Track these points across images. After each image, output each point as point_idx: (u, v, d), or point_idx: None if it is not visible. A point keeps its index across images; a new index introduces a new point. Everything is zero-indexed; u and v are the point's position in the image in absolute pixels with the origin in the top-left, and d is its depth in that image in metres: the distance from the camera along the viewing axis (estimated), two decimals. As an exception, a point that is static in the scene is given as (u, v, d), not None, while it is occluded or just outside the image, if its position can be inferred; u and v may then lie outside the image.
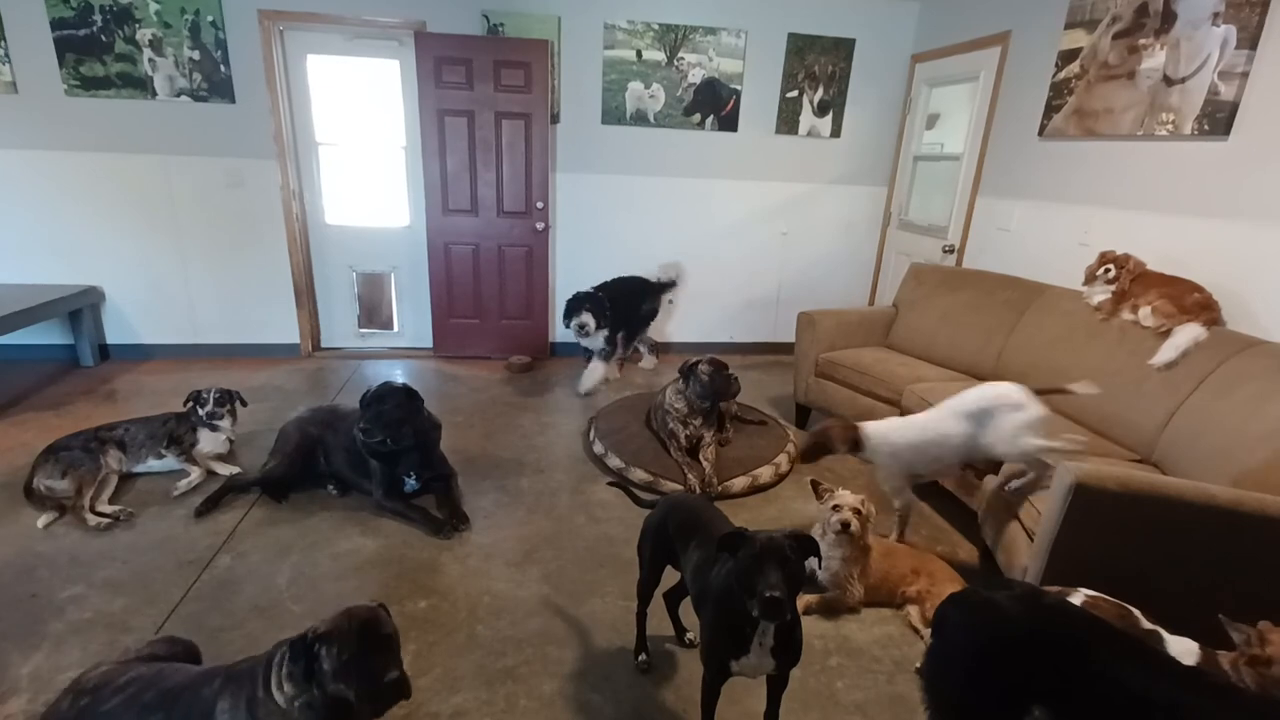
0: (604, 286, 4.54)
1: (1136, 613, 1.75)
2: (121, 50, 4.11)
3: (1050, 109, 3.64)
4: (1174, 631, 1.70)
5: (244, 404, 3.30)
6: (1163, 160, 3.04)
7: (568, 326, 4.29)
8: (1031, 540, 2.16)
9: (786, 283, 5.42)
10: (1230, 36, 2.70)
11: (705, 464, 3.18)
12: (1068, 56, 3.51)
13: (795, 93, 4.91)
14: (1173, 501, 1.91)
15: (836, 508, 2.28)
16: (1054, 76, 3.60)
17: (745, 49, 4.75)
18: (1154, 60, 3.04)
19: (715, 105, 4.85)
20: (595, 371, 4.42)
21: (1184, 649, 1.64)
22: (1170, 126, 2.97)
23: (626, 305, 4.58)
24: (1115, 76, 3.24)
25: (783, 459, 3.33)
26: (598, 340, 4.32)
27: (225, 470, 3.09)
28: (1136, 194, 3.18)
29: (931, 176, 4.85)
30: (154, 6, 4.06)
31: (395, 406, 2.78)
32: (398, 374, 4.67)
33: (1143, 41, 3.09)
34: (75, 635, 2.08)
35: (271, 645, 1.48)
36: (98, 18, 4.03)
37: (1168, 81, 2.98)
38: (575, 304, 4.28)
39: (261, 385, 4.30)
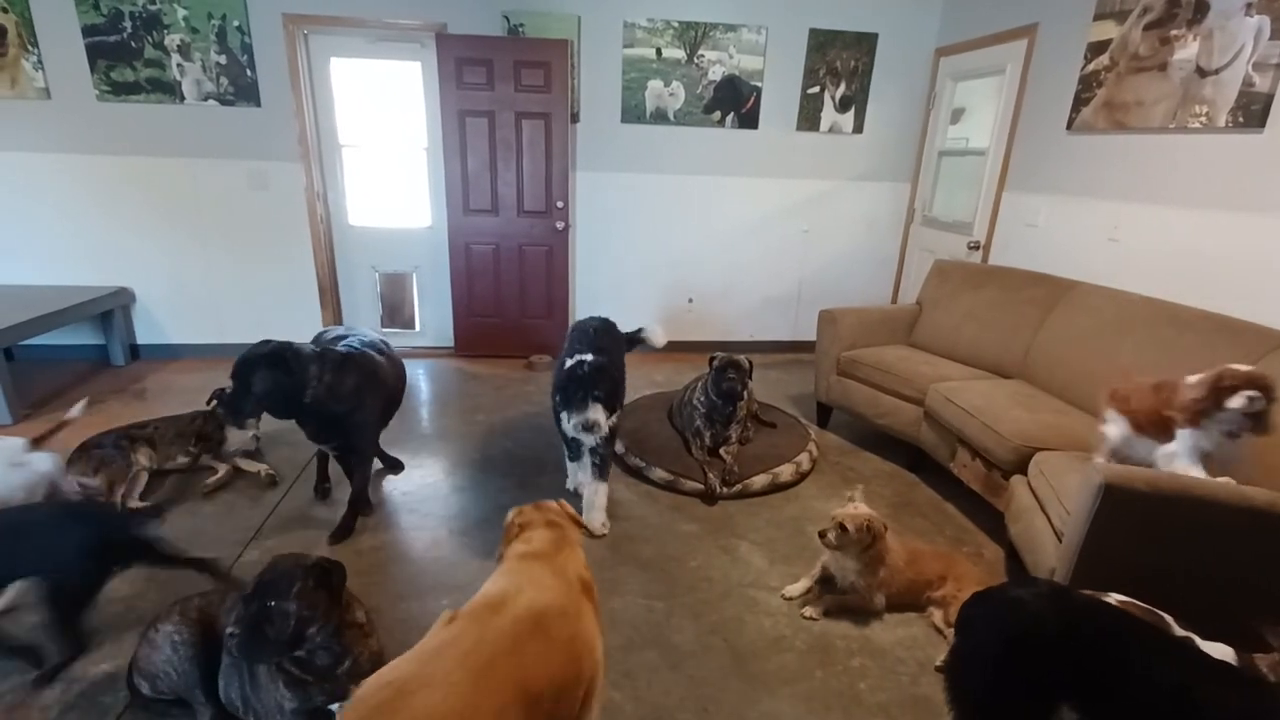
0: (581, 337, 2.88)
1: (1168, 619, 1.71)
2: (150, 56, 4.19)
3: (1079, 102, 3.57)
4: (1207, 637, 1.65)
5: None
6: (1196, 153, 2.97)
7: (568, 424, 2.60)
8: (1060, 541, 2.12)
9: (807, 280, 5.39)
10: (1264, 27, 2.63)
11: (726, 457, 3.18)
12: (1097, 48, 3.44)
13: (816, 89, 4.87)
14: (1205, 503, 1.87)
15: (833, 517, 2.25)
16: (1083, 69, 3.53)
17: (766, 45, 4.72)
18: (1186, 51, 2.97)
19: (735, 103, 4.83)
20: (600, 497, 2.76)
21: (1218, 655, 1.60)
22: (1203, 119, 2.90)
23: (615, 373, 2.71)
24: (1146, 68, 3.17)
25: (804, 458, 3.31)
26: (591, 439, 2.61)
27: (252, 467, 3.14)
28: (1168, 188, 3.10)
29: (956, 172, 4.78)
30: (182, 12, 4.14)
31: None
32: (420, 373, 4.72)
33: (1174, 32, 3.02)
34: (107, 627, 2.13)
35: None
36: (128, 24, 4.12)
37: (1200, 73, 2.91)
38: (578, 386, 2.52)
39: (286, 384, 4.35)
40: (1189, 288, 2.97)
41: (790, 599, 2.39)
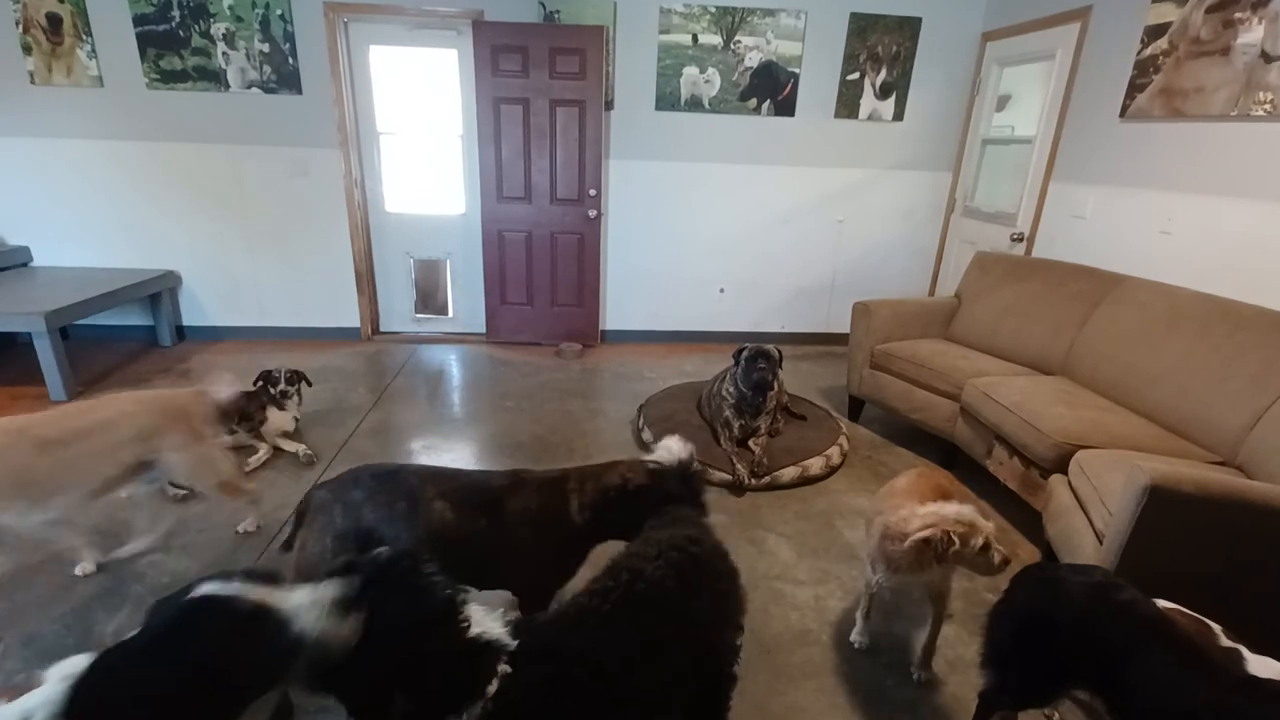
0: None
1: (1216, 628, 1.65)
2: (197, 44, 4.29)
3: (1134, 88, 3.42)
4: (1256, 650, 1.59)
5: (309, 384, 3.43)
6: (1258, 143, 2.83)
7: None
8: (1100, 543, 2.06)
9: (841, 271, 5.30)
10: (1341, 6, 2.48)
11: (755, 449, 3.15)
12: (1154, 32, 3.30)
13: (856, 75, 4.76)
14: (1256, 507, 1.79)
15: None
16: (1139, 54, 3.39)
17: (805, 30, 4.62)
18: (1251, 35, 2.82)
19: (772, 89, 4.75)
20: None
21: (1267, 669, 1.53)
22: (1268, 106, 2.76)
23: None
24: (1207, 53, 3.03)
25: (834, 451, 3.27)
26: None
27: (291, 448, 3.22)
28: (1228, 179, 2.96)
29: (1000, 161, 4.64)
30: (227, 1, 4.22)
31: None
32: (452, 359, 4.78)
33: (1239, 15, 2.87)
34: (153, 597, 2.20)
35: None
36: (176, 13, 4.22)
37: (1266, 58, 2.76)
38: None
39: (323, 367, 4.46)
40: (1246, 284, 2.84)
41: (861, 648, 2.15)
